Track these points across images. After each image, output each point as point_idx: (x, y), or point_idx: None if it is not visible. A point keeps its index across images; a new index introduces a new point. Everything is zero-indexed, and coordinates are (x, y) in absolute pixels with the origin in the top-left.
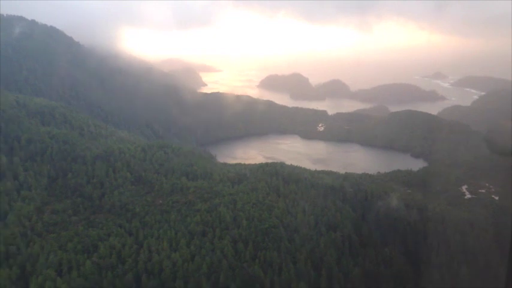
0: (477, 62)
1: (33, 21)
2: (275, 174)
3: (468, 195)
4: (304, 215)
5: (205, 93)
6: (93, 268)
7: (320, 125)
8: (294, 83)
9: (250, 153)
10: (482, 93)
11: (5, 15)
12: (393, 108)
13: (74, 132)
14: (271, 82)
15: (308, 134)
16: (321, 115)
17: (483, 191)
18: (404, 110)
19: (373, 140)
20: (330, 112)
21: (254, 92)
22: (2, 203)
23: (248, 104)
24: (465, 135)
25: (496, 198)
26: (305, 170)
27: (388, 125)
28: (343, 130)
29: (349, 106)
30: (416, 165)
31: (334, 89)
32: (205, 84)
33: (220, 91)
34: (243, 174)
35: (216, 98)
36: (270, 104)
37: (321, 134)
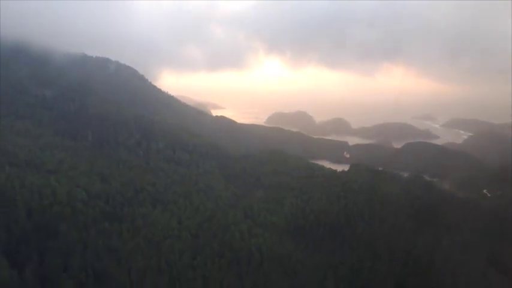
0: (461, 106)
1: (117, 62)
2: (364, 170)
3: (489, 195)
4: (398, 189)
5: (246, 124)
6: (287, 210)
7: (345, 153)
8: (299, 120)
9: None
10: (470, 133)
11: (94, 56)
12: (395, 144)
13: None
14: (277, 119)
15: (337, 160)
16: (343, 145)
17: (500, 192)
18: (416, 141)
19: (392, 165)
20: None
21: None
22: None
23: (280, 134)
24: (470, 160)
25: None
26: None
27: (403, 154)
28: (366, 157)
29: (354, 141)
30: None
31: (337, 126)
32: None
33: None
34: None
35: (254, 128)
36: (298, 134)
37: (348, 159)
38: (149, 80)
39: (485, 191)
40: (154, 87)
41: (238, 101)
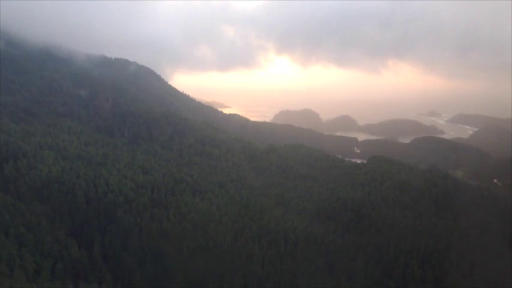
0: (466, 102)
1: (135, 63)
2: (382, 162)
3: (500, 184)
4: (416, 178)
5: (258, 121)
6: (316, 198)
7: (356, 148)
8: (306, 118)
9: None
10: (475, 128)
11: (113, 58)
12: (401, 140)
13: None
14: (284, 117)
15: (348, 155)
16: (353, 141)
17: (510, 182)
18: (424, 136)
19: (403, 159)
20: None
21: None
22: (237, 172)
23: (292, 130)
24: (478, 153)
25: None
26: None
27: (413, 148)
28: (377, 152)
29: (361, 138)
30: None
31: (344, 123)
32: None
33: None
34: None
35: (266, 125)
36: (309, 130)
37: (358, 155)
38: (165, 80)
39: (495, 180)
40: (171, 86)
41: (244, 99)
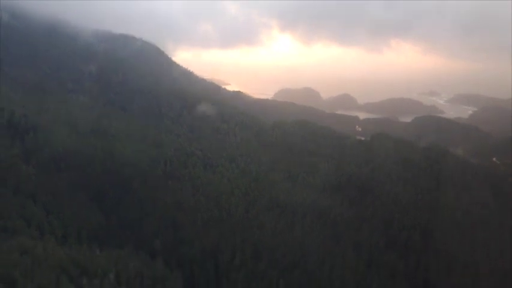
0: (466, 82)
1: (140, 39)
2: (385, 139)
3: (498, 162)
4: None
5: (261, 99)
6: (322, 173)
7: (357, 126)
8: (306, 96)
9: None
10: (475, 109)
11: (118, 34)
12: (402, 120)
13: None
14: (284, 95)
15: (350, 133)
16: (354, 119)
17: (509, 161)
18: (425, 115)
19: (404, 138)
20: None
21: None
22: (245, 147)
23: (294, 108)
24: (478, 133)
25: None
26: None
27: (413, 127)
28: (378, 130)
29: (361, 117)
30: None
31: (344, 102)
32: None
33: None
34: None
35: (268, 103)
36: (311, 109)
37: (360, 133)
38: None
39: (494, 159)
40: (175, 63)
41: (245, 77)
